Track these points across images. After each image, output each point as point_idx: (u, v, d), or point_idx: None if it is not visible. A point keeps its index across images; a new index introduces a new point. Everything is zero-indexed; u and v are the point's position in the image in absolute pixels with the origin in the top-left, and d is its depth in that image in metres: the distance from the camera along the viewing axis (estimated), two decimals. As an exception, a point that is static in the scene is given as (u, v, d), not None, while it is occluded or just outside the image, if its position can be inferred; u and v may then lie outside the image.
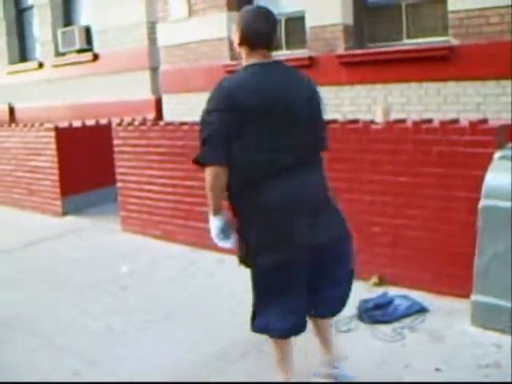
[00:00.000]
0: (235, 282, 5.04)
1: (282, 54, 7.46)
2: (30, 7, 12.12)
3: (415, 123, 4.75)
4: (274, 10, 7.64)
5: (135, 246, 6.52)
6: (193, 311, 4.65)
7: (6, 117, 12.49)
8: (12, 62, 12.31)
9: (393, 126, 4.82)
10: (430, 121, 4.92)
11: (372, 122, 5.13)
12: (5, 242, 7.11)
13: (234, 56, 7.77)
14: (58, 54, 11.32)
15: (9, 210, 9.05)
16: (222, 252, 5.79)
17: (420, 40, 6.42)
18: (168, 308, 4.73)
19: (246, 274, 5.20)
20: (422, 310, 4.25)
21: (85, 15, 11.01)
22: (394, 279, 4.74)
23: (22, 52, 12.69)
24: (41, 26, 11.70)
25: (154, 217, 6.73)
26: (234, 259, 5.62)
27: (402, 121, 5.04)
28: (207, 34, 7.96)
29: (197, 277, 5.43)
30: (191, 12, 8.17)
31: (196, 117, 7.50)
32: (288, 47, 7.51)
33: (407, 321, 4.14)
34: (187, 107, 8.18)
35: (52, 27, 11.31)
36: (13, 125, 9.57)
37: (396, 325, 4.10)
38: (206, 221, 3.19)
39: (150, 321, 4.53)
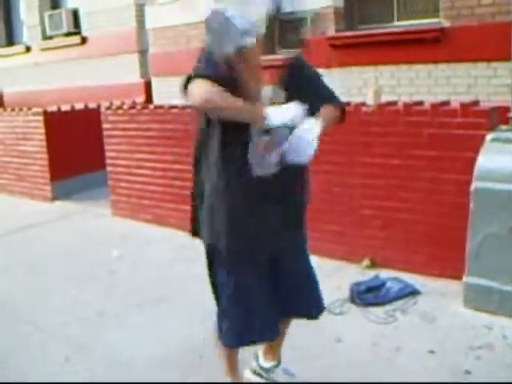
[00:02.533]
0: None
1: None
2: (17, -10, 11.98)
3: (406, 105, 4.72)
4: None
5: (125, 231, 6.49)
6: (185, 295, 4.63)
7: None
8: (-1, 45, 12.19)
9: (384, 109, 4.80)
10: (420, 103, 4.89)
11: (363, 104, 5.10)
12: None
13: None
14: (46, 37, 11.20)
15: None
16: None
17: (411, 22, 6.39)
18: (160, 292, 4.71)
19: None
20: (414, 293, 4.25)
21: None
22: (385, 262, 4.74)
23: (8, 36, 12.55)
24: (27, 9, 11.56)
25: (144, 201, 6.69)
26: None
27: (393, 103, 5.01)
28: (196, 17, 7.87)
29: (188, 261, 5.40)
30: (180, -6, 8.08)
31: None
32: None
33: (399, 303, 4.15)
34: (177, 90, 8.09)
35: (39, 10, 11.19)
36: (0, 109, 9.47)
37: (388, 307, 4.11)
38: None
39: (141, 305, 4.51)
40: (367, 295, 4.19)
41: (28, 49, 11.71)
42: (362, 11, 6.84)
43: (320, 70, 6.90)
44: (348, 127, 4.93)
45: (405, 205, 4.64)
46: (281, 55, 7.58)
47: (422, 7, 6.34)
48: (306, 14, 7.44)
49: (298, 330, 3.73)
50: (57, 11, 10.78)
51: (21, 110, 8.55)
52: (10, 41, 12.52)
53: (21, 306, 4.68)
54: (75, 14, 10.52)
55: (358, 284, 4.32)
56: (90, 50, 10.10)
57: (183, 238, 5.97)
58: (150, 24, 8.68)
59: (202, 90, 2.37)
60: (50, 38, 11.11)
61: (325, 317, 3.95)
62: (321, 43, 6.69)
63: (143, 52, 9.08)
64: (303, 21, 7.46)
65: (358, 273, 4.68)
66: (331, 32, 6.70)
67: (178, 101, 7.09)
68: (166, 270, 5.25)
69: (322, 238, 5.08)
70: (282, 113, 2.41)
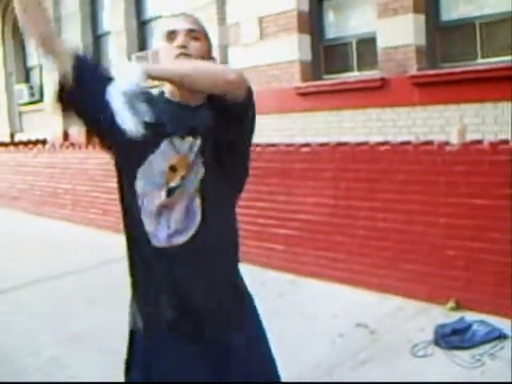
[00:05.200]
0: (305, 303, 5.06)
1: (353, 76, 7.47)
2: (107, 33, 12.51)
3: (492, 144, 4.65)
4: (345, 32, 7.70)
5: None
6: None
7: (83, 139, 12.87)
8: (88, 86, 12.71)
9: (468, 148, 4.74)
10: (506, 141, 4.81)
11: (447, 143, 5.06)
12: (80, 260, 7.30)
13: (305, 78, 7.82)
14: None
15: (85, 229, 9.29)
16: (292, 273, 5.83)
17: (495, 59, 6.30)
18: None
19: (315, 294, 5.20)
20: (501, 337, 4.12)
21: (158, 41, 11.27)
22: (471, 304, 4.63)
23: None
24: (116, 50, 12.05)
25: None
26: (305, 280, 5.66)
27: (478, 142, 4.94)
28: (278, 57, 8.03)
29: (268, 298, 5.42)
30: (262, 35, 8.26)
31: (267, 138, 7.58)
32: (359, 69, 7.49)
33: (486, 347, 4.02)
34: (258, 129, 8.24)
35: (127, 52, 11.64)
36: (90, 147, 9.85)
37: (475, 351, 3.99)
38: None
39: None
40: (452, 338, 4.09)
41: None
42: (444, 49, 6.80)
43: (401, 109, 6.92)
44: (431, 166, 4.91)
45: (491, 245, 4.54)
46: (328, 81, 7.59)
47: (505, 44, 6.25)
48: (351, 39, 7.48)
49: (381, 369, 3.70)
50: (143, 53, 11.20)
51: (109, 147, 8.85)
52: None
53: (107, 338, 4.80)
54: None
55: (442, 326, 4.23)
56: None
57: (262, 275, 6.03)
58: (232, 64, 8.88)
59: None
60: (137, 78, 11.51)
61: (408, 359, 3.93)
62: (403, 82, 6.68)
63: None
64: (348, 46, 7.50)
65: (443, 315, 4.59)
66: (413, 71, 6.68)
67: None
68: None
69: (404, 278, 5.02)
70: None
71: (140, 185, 2.00)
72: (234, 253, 2.21)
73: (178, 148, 1.98)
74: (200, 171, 2.00)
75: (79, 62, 1.91)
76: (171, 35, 2.04)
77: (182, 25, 2.06)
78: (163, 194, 1.98)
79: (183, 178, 1.98)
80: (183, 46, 2.01)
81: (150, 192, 1.99)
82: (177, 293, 2.01)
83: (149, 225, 2.00)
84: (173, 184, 1.98)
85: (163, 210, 1.98)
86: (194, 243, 1.99)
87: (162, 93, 2.10)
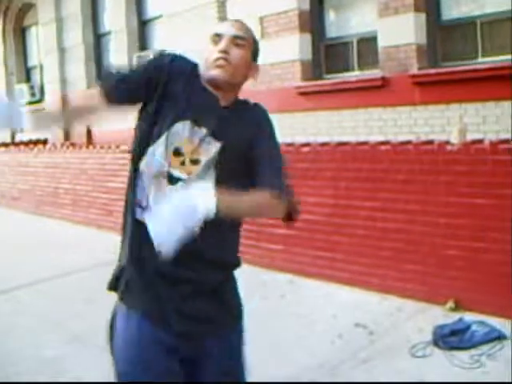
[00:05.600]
0: (305, 304, 5.03)
1: (354, 75, 7.45)
2: (108, 33, 12.50)
3: (492, 143, 4.63)
4: (346, 31, 7.68)
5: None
6: (264, 333, 4.63)
7: (84, 139, 12.87)
8: (90, 86, 12.69)
9: (469, 147, 4.72)
10: (507, 141, 4.78)
11: (447, 142, 5.03)
12: (80, 260, 7.28)
13: (306, 77, 7.80)
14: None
15: (86, 229, 9.28)
16: (292, 273, 5.81)
17: (496, 58, 6.27)
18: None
19: (314, 294, 5.18)
20: (500, 337, 4.10)
21: (159, 39, 11.27)
22: (470, 304, 4.60)
23: (99, 76, 13.07)
24: (117, 50, 12.04)
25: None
26: (304, 280, 5.64)
27: (479, 141, 4.92)
28: (279, 56, 8.00)
29: (268, 298, 5.41)
30: (264, 34, 8.24)
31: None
32: (360, 68, 7.47)
33: (485, 348, 4.00)
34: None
35: (128, 52, 11.63)
36: (90, 147, 9.85)
37: (473, 352, 3.97)
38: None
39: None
40: (451, 338, 4.07)
41: (116, 89, 12.15)
42: (445, 48, 6.77)
43: (402, 109, 6.89)
44: (431, 166, 4.88)
45: (491, 246, 4.51)
46: (329, 80, 7.59)
47: (506, 43, 6.22)
48: (352, 38, 7.45)
49: (380, 369, 3.69)
50: (144, 53, 11.17)
51: (109, 147, 8.86)
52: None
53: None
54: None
55: (441, 327, 4.20)
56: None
57: (262, 275, 6.02)
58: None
59: None
60: (138, 78, 11.50)
61: (407, 359, 3.91)
62: (404, 81, 6.66)
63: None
64: (349, 45, 7.47)
65: (442, 315, 4.56)
66: (414, 69, 6.66)
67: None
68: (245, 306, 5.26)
69: (404, 279, 5.00)
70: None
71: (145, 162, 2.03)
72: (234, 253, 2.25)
73: (193, 134, 2.02)
74: (210, 177, 2.00)
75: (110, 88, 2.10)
76: (216, 38, 2.07)
77: (228, 30, 2.10)
78: (165, 181, 1.99)
79: (189, 173, 2.00)
80: (224, 52, 2.03)
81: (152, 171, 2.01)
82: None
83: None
84: (173, 171, 1.99)
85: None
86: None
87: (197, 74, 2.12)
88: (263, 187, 2.00)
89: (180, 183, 1.98)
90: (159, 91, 2.03)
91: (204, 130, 2.01)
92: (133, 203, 2.08)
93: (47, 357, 4.38)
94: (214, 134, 2.02)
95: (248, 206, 2.00)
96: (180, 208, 1.75)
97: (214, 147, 2.02)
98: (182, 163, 1.99)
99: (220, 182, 1.97)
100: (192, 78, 2.08)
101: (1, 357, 4.47)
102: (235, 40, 2.07)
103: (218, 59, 2.03)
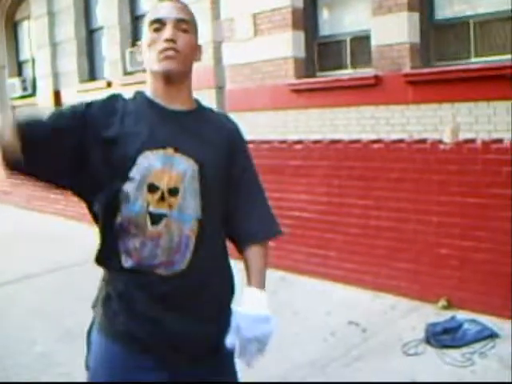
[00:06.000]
0: (297, 301, 5.06)
1: (346, 73, 7.46)
2: (100, 28, 12.46)
3: (484, 143, 4.66)
4: (339, 29, 7.67)
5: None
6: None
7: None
8: (82, 80, 12.66)
9: (461, 146, 4.75)
10: (499, 141, 4.82)
11: (440, 141, 5.06)
12: (72, 255, 7.28)
13: (299, 75, 7.80)
14: (126, 73, 11.58)
15: (78, 224, 9.26)
16: (285, 270, 5.83)
17: (488, 58, 6.30)
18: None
19: (307, 292, 5.20)
20: (492, 336, 4.14)
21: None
22: (462, 303, 4.64)
23: (91, 71, 13.04)
24: (109, 45, 12.01)
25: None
26: (297, 278, 5.66)
27: (471, 141, 4.95)
28: (272, 53, 8.00)
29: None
30: (257, 31, 8.23)
31: (261, 135, 7.57)
32: (353, 66, 7.48)
33: (477, 346, 4.04)
34: (252, 125, 8.24)
35: (120, 47, 11.60)
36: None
37: (465, 350, 4.01)
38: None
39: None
40: (443, 337, 4.11)
41: (109, 84, 12.11)
42: (438, 47, 6.79)
43: (395, 107, 6.90)
44: (424, 165, 4.91)
45: (483, 245, 4.55)
46: (322, 78, 7.61)
47: (499, 43, 6.25)
48: (345, 36, 7.46)
49: (372, 367, 3.71)
50: (136, 48, 11.14)
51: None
52: (93, 76, 13.00)
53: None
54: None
55: (433, 325, 4.24)
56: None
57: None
58: (226, 60, 8.86)
59: None
60: (131, 73, 11.48)
61: (400, 357, 3.94)
62: (396, 80, 6.67)
63: (220, 88, 9.26)
64: (342, 43, 7.48)
65: (434, 313, 4.60)
66: (407, 69, 6.67)
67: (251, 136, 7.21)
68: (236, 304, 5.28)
69: (396, 277, 5.03)
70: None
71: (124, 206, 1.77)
72: (226, 301, 1.97)
73: (161, 162, 1.76)
74: (195, 203, 1.79)
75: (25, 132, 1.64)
76: (157, 25, 1.83)
77: (170, 13, 1.84)
78: (147, 222, 1.76)
79: (171, 206, 1.76)
80: (171, 40, 1.79)
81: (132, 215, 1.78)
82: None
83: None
84: (153, 210, 1.75)
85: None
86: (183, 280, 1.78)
87: (142, 95, 1.90)
88: (255, 232, 1.96)
89: (164, 220, 1.75)
90: (93, 146, 1.72)
91: (170, 151, 1.77)
92: (113, 253, 1.84)
93: (38, 351, 4.39)
94: (182, 151, 1.77)
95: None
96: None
97: (187, 165, 1.78)
98: (161, 198, 1.75)
99: (205, 202, 1.80)
100: (124, 107, 1.83)
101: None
102: (180, 24, 1.83)
103: (165, 50, 1.80)
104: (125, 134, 1.75)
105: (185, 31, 1.84)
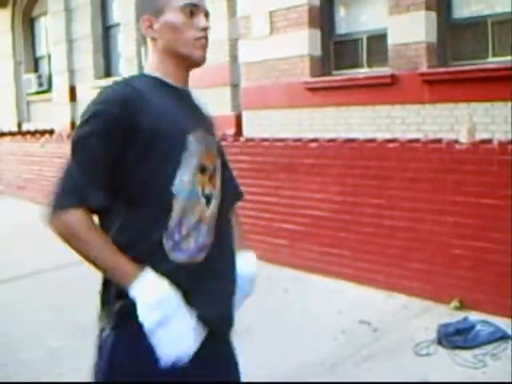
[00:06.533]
0: (309, 299, 5.04)
1: (363, 72, 7.43)
2: (116, 25, 12.49)
3: (501, 144, 4.62)
4: (356, 28, 7.65)
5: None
6: (267, 328, 4.64)
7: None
8: (97, 77, 12.70)
9: (478, 147, 4.71)
10: (516, 141, 4.77)
11: (456, 141, 5.02)
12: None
13: (314, 73, 7.78)
14: (142, 69, 11.61)
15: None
16: (297, 269, 5.81)
17: (506, 58, 6.25)
18: (243, 323, 4.72)
19: (320, 290, 5.17)
20: (505, 337, 4.10)
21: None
22: (475, 304, 4.60)
23: (107, 67, 13.08)
24: (126, 42, 12.04)
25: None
26: (310, 276, 5.64)
27: (488, 141, 4.91)
28: (288, 51, 7.99)
29: (273, 293, 5.41)
30: (273, 29, 8.22)
31: (276, 133, 7.55)
32: (369, 65, 7.45)
33: (489, 348, 4.00)
34: (266, 123, 8.23)
35: (136, 44, 11.63)
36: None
37: (477, 351, 3.97)
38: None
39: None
40: (455, 338, 4.07)
41: (124, 80, 12.16)
42: (455, 47, 6.75)
43: (411, 107, 6.88)
44: (439, 165, 4.88)
45: (497, 246, 4.51)
46: (338, 76, 7.58)
47: (517, 43, 6.21)
48: (362, 35, 7.43)
49: (383, 367, 3.69)
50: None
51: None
52: (108, 72, 13.05)
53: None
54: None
55: (446, 325, 4.21)
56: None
57: (268, 269, 6.02)
58: (242, 58, 8.86)
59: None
60: (146, 70, 11.51)
61: (411, 357, 3.91)
62: (413, 79, 6.64)
63: (235, 85, 9.26)
64: (358, 42, 7.45)
65: (447, 314, 4.56)
66: (424, 68, 6.64)
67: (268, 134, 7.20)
68: (251, 301, 5.26)
69: (409, 277, 5.00)
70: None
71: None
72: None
73: (203, 142, 1.82)
74: (220, 180, 1.88)
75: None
76: (193, 9, 1.81)
77: (203, 2, 1.85)
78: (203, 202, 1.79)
79: (214, 185, 1.84)
80: (207, 30, 1.82)
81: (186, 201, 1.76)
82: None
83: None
84: (207, 191, 1.81)
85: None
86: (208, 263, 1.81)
87: (154, 78, 1.87)
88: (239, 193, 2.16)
89: (212, 200, 1.81)
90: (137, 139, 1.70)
91: (202, 131, 1.82)
92: (157, 247, 1.73)
93: (49, 346, 4.40)
94: (208, 131, 1.87)
95: None
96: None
97: (214, 142, 1.89)
98: (210, 178, 1.82)
99: (222, 178, 1.91)
100: (141, 95, 1.76)
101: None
102: (206, 15, 1.86)
103: (201, 38, 1.82)
104: (161, 122, 1.72)
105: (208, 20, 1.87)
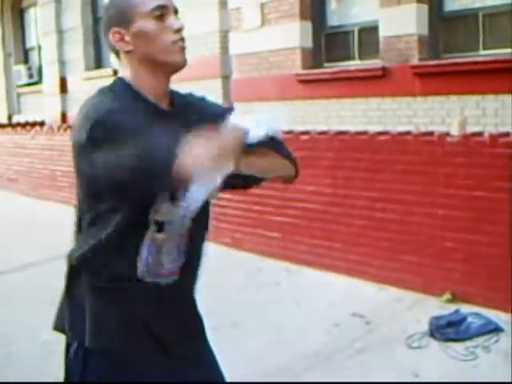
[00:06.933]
0: (301, 292, 5.05)
1: (354, 64, 7.43)
2: (107, 15, 12.45)
3: (492, 136, 4.63)
4: (347, 20, 7.64)
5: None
6: (260, 321, 4.65)
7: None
8: (87, 68, 12.64)
9: (469, 139, 4.72)
10: (507, 134, 4.78)
11: (447, 134, 5.03)
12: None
13: (306, 65, 7.77)
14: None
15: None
16: (289, 261, 5.82)
17: (497, 51, 6.26)
18: (235, 316, 4.74)
19: (311, 283, 5.18)
20: (496, 330, 4.12)
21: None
22: (466, 296, 4.62)
23: (97, 59, 13.02)
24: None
25: (223, 224, 6.77)
26: (301, 269, 5.66)
27: (479, 134, 4.92)
28: (279, 43, 7.97)
29: (264, 285, 5.42)
30: (264, 21, 8.20)
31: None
32: (360, 57, 7.45)
33: (480, 340, 4.02)
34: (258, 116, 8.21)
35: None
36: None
37: (469, 343, 3.99)
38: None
39: (217, 328, 4.53)
40: (447, 330, 4.09)
41: (115, 72, 12.09)
42: (446, 39, 6.76)
43: (402, 99, 6.87)
44: (431, 157, 4.88)
45: (488, 238, 4.53)
46: (329, 68, 7.57)
47: (508, 36, 6.21)
48: (353, 27, 7.42)
49: (376, 359, 3.71)
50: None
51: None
52: (99, 64, 12.98)
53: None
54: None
55: (437, 318, 4.22)
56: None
57: (259, 262, 6.03)
58: (233, 50, 8.83)
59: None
60: (137, 62, 11.46)
61: (403, 350, 3.93)
62: (404, 71, 6.65)
63: (226, 77, 9.23)
64: (349, 34, 7.45)
65: (438, 306, 4.58)
66: (415, 60, 6.64)
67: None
68: (243, 294, 5.28)
69: (400, 269, 5.02)
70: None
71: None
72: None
73: None
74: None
75: None
76: (161, 12, 1.70)
77: (170, 0, 1.73)
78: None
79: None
80: (182, 31, 1.73)
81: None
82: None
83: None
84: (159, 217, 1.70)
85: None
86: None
87: (127, 87, 1.74)
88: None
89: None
90: None
91: None
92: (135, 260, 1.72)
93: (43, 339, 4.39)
94: None
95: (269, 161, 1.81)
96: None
97: None
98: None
99: None
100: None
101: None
102: (176, 13, 1.75)
103: (178, 41, 1.72)
104: None
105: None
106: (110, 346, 1.74)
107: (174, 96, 1.83)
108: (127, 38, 1.72)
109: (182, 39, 1.73)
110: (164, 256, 1.75)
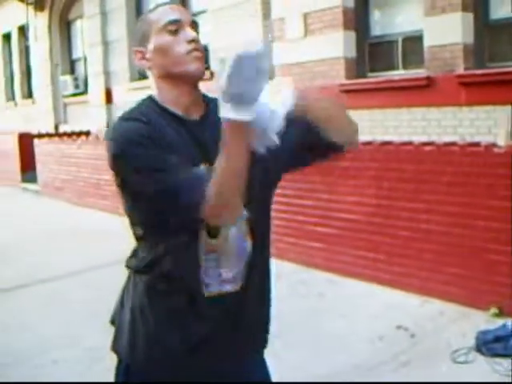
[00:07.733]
0: (344, 303, 5.01)
1: (398, 74, 7.38)
2: (151, 27, 12.61)
3: (540, 147, 4.55)
4: (391, 29, 7.59)
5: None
6: (302, 332, 4.63)
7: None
8: (132, 79, 12.82)
9: (516, 150, 4.65)
10: (556, 145, 4.70)
11: (494, 144, 4.96)
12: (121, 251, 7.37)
13: (349, 75, 7.75)
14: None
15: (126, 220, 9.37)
16: (332, 272, 5.79)
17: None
18: (276, 327, 4.71)
19: (355, 294, 5.15)
20: (545, 345, 4.03)
21: (203, 35, 11.28)
22: (514, 311, 4.53)
23: (141, 70, 13.16)
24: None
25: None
26: (345, 280, 5.62)
27: (526, 144, 4.84)
28: (323, 53, 7.97)
29: (308, 297, 5.40)
30: (307, 31, 8.21)
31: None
32: (405, 67, 7.39)
33: (530, 356, 3.94)
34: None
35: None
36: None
37: (517, 359, 3.91)
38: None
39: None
40: (495, 345, 4.01)
41: (158, 82, 12.24)
42: (492, 48, 6.66)
43: (447, 109, 6.79)
44: (475, 168, 4.81)
45: (537, 251, 4.44)
46: (373, 78, 7.51)
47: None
48: (397, 36, 7.35)
49: (420, 373, 3.65)
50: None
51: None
52: (143, 74, 13.14)
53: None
54: (205, 50, 10.89)
55: (484, 332, 4.14)
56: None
57: (302, 273, 6.01)
58: (276, 60, 8.85)
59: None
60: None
61: (448, 364, 3.87)
62: (449, 81, 6.57)
63: (269, 87, 9.24)
64: (393, 44, 7.37)
65: (484, 320, 4.50)
66: (460, 70, 6.56)
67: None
68: (285, 305, 5.26)
69: (445, 281, 4.95)
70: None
71: None
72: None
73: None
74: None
75: None
76: (172, 27, 1.74)
77: (183, 14, 1.78)
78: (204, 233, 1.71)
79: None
80: (197, 41, 1.75)
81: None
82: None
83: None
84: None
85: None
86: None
87: (153, 103, 1.78)
88: None
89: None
90: None
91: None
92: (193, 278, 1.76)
93: (85, 346, 4.45)
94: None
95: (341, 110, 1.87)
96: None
97: None
98: None
99: None
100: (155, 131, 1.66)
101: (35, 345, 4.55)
102: (193, 27, 1.79)
103: (192, 51, 1.74)
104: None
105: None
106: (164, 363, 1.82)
107: (209, 103, 1.82)
108: (148, 56, 1.79)
109: (197, 49, 1.75)
110: (222, 263, 1.76)
